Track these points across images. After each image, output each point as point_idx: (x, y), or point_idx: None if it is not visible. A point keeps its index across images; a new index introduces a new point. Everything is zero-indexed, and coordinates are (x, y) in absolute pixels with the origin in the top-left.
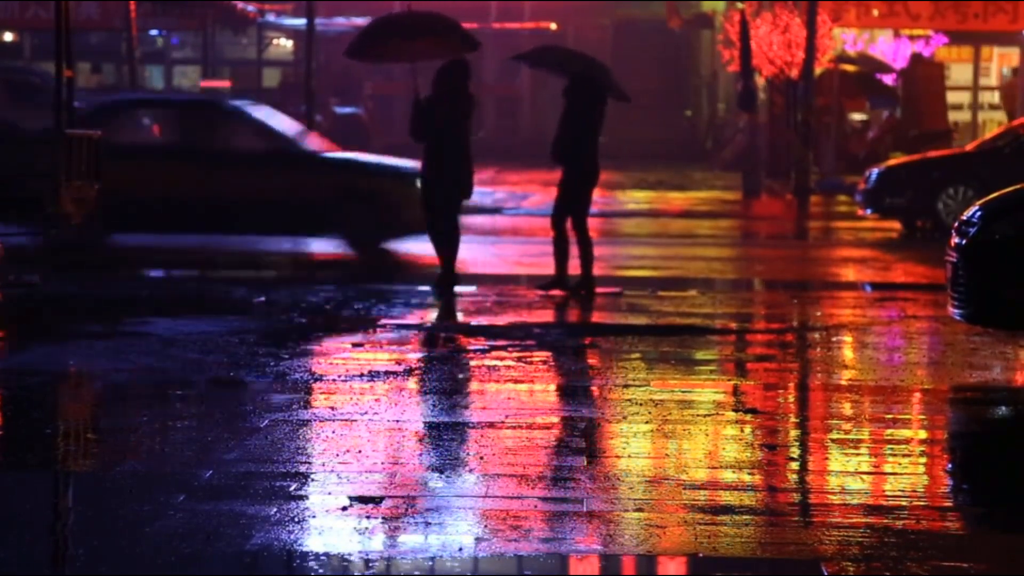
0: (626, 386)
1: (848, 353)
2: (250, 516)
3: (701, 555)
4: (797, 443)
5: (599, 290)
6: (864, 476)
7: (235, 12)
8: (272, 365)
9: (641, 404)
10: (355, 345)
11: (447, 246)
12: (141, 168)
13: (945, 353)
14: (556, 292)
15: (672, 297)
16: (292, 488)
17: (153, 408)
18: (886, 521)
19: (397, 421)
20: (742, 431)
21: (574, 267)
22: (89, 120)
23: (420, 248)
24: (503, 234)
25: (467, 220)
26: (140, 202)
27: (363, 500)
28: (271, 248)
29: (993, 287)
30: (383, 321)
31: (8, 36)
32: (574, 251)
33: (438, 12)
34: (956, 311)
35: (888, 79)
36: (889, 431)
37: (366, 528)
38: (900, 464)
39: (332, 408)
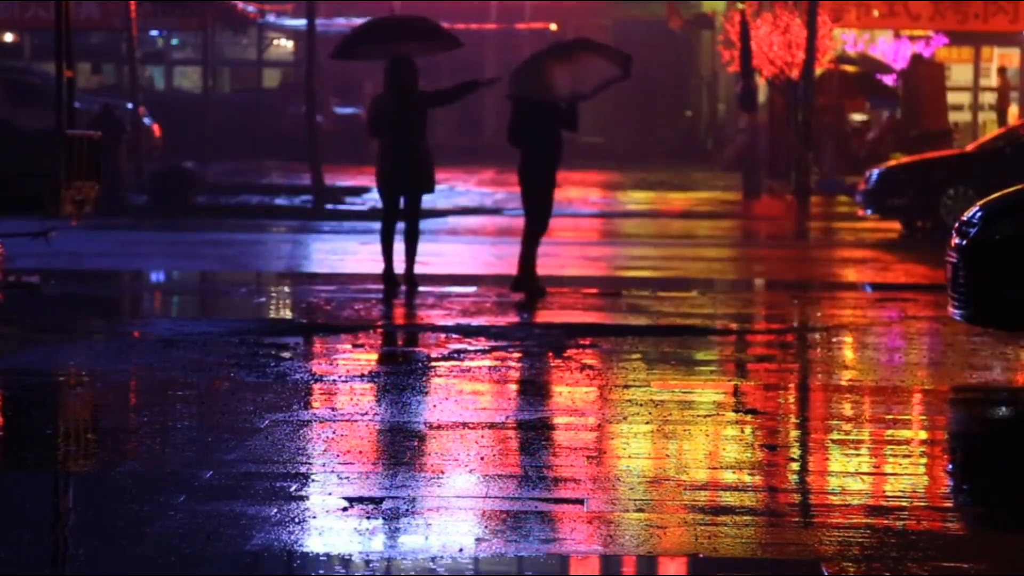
0: (626, 386)
1: (848, 354)
2: (250, 516)
3: (701, 555)
4: (797, 444)
5: (598, 290)
6: (864, 476)
7: (235, 12)
8: (272, 365)
9: (641, 404)
10: (355, 345)
11: (407, 243)
12: None
13: (945, 353)
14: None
15: (673, 297)
16: (292, 488)
17: (153, 408)
18: (886, 521)
19: (397, 421)
20: (742, 431)
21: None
22: None
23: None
24: (504, 234)
25: (468, 220)
26: None
27: (363, 500)
28: None
29: (993, 287)
30: (383, 322)
31: (8, 36)
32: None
33: (419, 15)
34: (956, 311)
35: (888, 79)
36: (889, 431)
37: (366, 528)
38: (900, 464)
39: (332, 408)
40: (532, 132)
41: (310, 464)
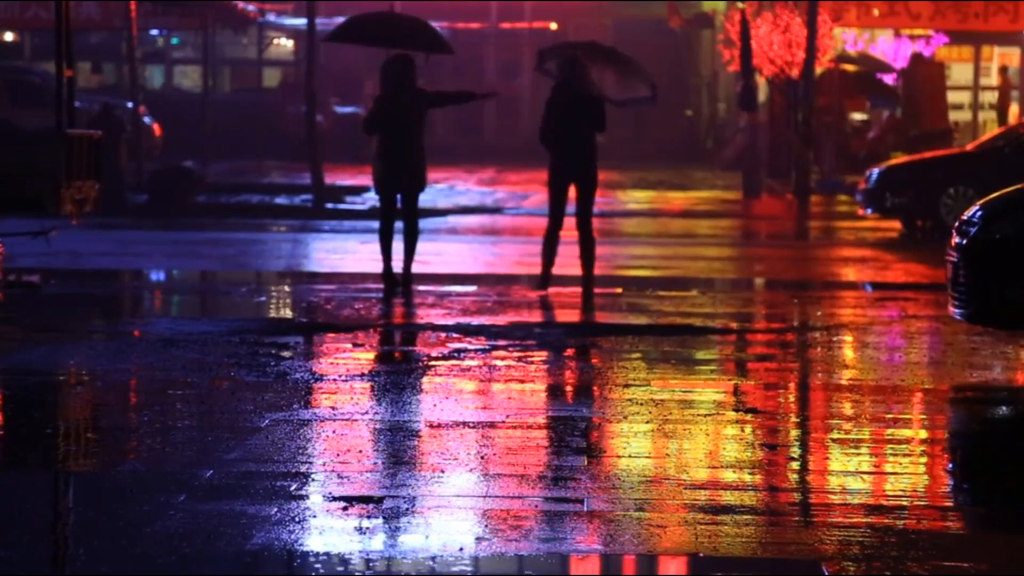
0: (626, 386)
1: (848, 353)
2: (250, 516)
3: (702, 555)
4: (797, 443)
5: (599, 290)
6: (864, 476)
7: (235, 12)
8: (272, 364)
9: (641, 404)
10: (355, 345)
11: (406, 242)
12: None
13: (945, 353)
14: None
15: (672, 297)
16: (292, 488)
17: (153, 408)
18: (887, 521)
19: (397, 421)
20: (742, 431)
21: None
22: None
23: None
24: (503, 234)
25: (468, 220)
26: None
27: (363, 500)
28: None
29: (993, 287)
30: (383, 321)
31: (8, 36)
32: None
33: (414, 16)
34: (956, 311)
35: (889, 79)
36: (889, 431)
37: (366, 528)
38: (900, 464)
39: (332, 408)
40: (569, 131)
41: (310, 464)
